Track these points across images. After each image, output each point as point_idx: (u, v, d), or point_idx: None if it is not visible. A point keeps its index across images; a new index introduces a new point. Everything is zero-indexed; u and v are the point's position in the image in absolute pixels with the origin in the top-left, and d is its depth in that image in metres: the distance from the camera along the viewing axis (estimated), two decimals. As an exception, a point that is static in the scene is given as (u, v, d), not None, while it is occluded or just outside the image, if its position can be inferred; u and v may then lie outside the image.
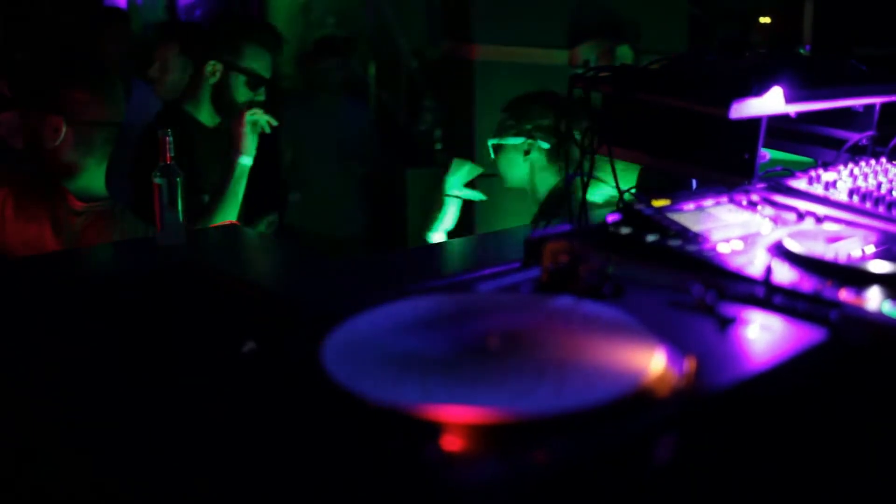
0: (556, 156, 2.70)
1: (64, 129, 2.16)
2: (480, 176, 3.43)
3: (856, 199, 1.41)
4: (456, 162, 2.84)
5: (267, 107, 2.83)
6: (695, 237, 1.21)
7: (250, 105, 2.72)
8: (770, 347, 0.96)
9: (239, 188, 2.57)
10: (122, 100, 2.28)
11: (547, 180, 2.74)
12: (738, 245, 1.21)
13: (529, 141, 2.70)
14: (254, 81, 2.81)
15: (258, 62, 2.82)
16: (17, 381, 1.04)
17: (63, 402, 0.95)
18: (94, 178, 2.23)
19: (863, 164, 1.60)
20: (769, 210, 1.38)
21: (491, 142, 2.77)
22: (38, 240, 2.13)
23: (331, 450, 0.77)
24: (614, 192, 1.50)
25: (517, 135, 2.71)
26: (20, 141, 2.29)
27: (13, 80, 2.34)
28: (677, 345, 0.92)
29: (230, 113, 2.80)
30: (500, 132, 2.76)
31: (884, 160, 1.64)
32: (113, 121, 2.23)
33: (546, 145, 2.69)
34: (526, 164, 2.74)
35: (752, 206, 1.39)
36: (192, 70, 3.08)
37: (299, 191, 4.31)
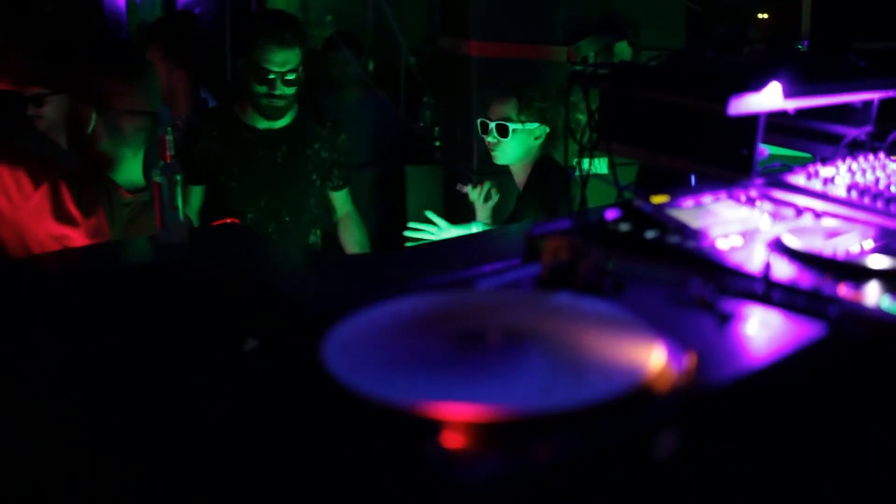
0: (551, 142, 2.93)
1: (94, 118, 2.14)
2: (480, 174, 3.43)
3: (854, 194, 1.42)
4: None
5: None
6: (694, 233, 1.21)
7: (269, 97, 2.78)
8: (769, 343, 0.97)
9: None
10: (156, 89, 2.26)
11: (533, 156, 2.95)
12: (737, 241, 1.22)
13: (543, 128, 2.90)
14: (262, 76, 2.79)
15: (265, 55, 2.79)
16: (17, 378, 1.04)
17: (63, 401, 0.96)
18: (133, 168, 2.20)
19: (861, 159, 1.60)
20: (768, 206, 1.38)
21: (514, 126, 2.89)
22: (99, 231, 2.11)
23: (332, 447, 0.78)
24: None
25: (535, 121, 2.90)
26: (59, 134, 2.27)
27: (52, 69, 2.31)
28: (677, 341, 0.93)
29: (259, 111, 2.85)
30: (518, 116, 2.89)
31: (882, 155, 1.64)
32: (145, 110, 2.20)
33: (547, 129, 2.91)
34: (531, 148, 2.93)
35: (751, 201, 1.39)
36: (185, 74, 3.10)
37: None
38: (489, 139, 2.94)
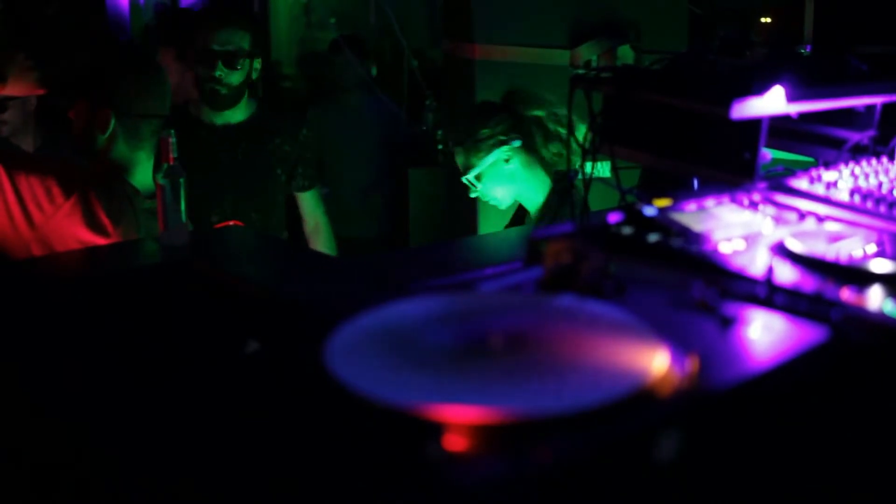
0: (532, 149, 2.65)
1: (112, 122, 2.13)
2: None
3: (857, 198, 1.42)
4: None
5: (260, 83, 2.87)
6: (696, 237, 1.21)
7: (212, 80, 2.74)
8: (771, 347, 0.97)
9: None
10: (169, 92, 2.25)
11: (540, 182, 2.69)
12: (740, 245, 1.22)
13: (506, 148, 2.63)
14: (202, 56, 2.77)
15: (206, 35, 2.78)
16: (18, 379, 1.04)
17: (64, 402, 0.96)
18: (147, 172, 2.18)
19: (864, 163, 1.60)
20: (771, 210, 1.38)
21: (476, 171, 2.64)
22: (128, 239, 2.09)
23: (334, 449, 0.78)
24: None
25: (493, 147, 2.63)
26: (24, 138, 2.25)
27: (60, 74, 2.29)
28: (679, 344, 0.93)
29: (205, 99, 2.82)
30: (471, 161, 2.66)
31: (885, 160, 1.64)
32: (160, 113, 2.20)
33: (518, 142, 2.63)
34: (512, 173, 2.67)
35: (754, 205, 1.39)
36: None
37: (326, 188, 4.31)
38: (478, 194, 2.71)
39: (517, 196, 2.72)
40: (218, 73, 2.77)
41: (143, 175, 2.18)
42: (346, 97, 4.36)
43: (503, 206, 2.75)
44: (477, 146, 2.64)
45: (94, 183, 2.09)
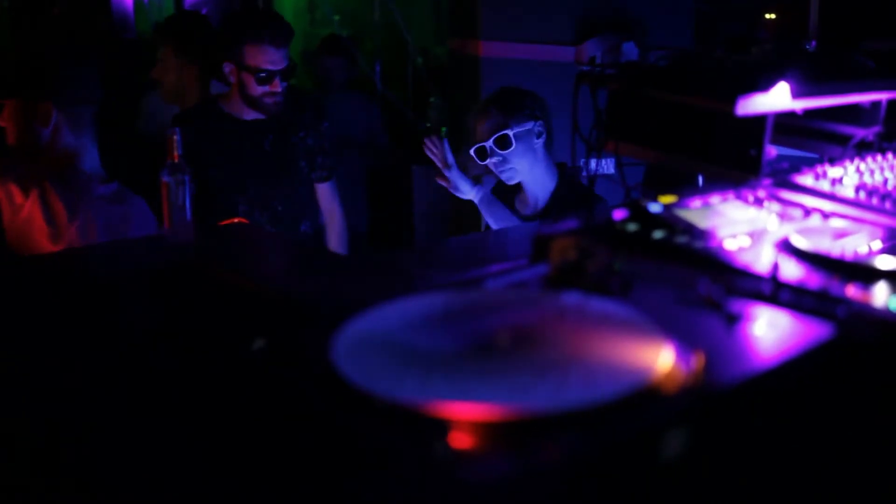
0: (552, 136, 2.80)
1: (54, 113, 2.13)
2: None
3: (862, 195, 1.41)
4: None
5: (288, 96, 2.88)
6: (702, 234, 1.21)
7: (271, 94, 2.80)
8: (777, 343, 0.97)
9: None
10: (97, 76, 2.25)
11: (550, 172, 2.78)
12: (745, 241, 1.22)
13: (539, 122, 2.74)
14: (262, 77, 2.82)
15: (262, 56, 2.82)
16: (22, 377, 1.05)
17: (70, 400, 0.96)
18: (94, 158, 2.18)
19: (869, 159, 1.60)
20: (776, 206, 1.38)
21: (513, 131, 2.70)
22: (86, 226, 2.08)
23: (341, 447, 0.78)
24: None
25: (529, 118, 2.73)
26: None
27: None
28: (685, 341, 0.93)
29: (257, 108, 2.87)
30: (510, 120, 2.72)
31: (890, 156, 1.64)
32: (94, 98, 2.19)
33: (542, 123, 2.77)
34: (536, 150, 2.75)
35: (759, 202, 1.39)
36: (196, 70, 3.10)
37: None
38: (493, 160, 2.73)
39: (528, 178, 2.77)
40: (277, 90, 2.85)
41: (91, 161, 2.18)
42: (328, 95, 4.45)
43: (511, 183, 2.78)
44: (522, 109, 2.73)
45: (49, 175, 2.10)
